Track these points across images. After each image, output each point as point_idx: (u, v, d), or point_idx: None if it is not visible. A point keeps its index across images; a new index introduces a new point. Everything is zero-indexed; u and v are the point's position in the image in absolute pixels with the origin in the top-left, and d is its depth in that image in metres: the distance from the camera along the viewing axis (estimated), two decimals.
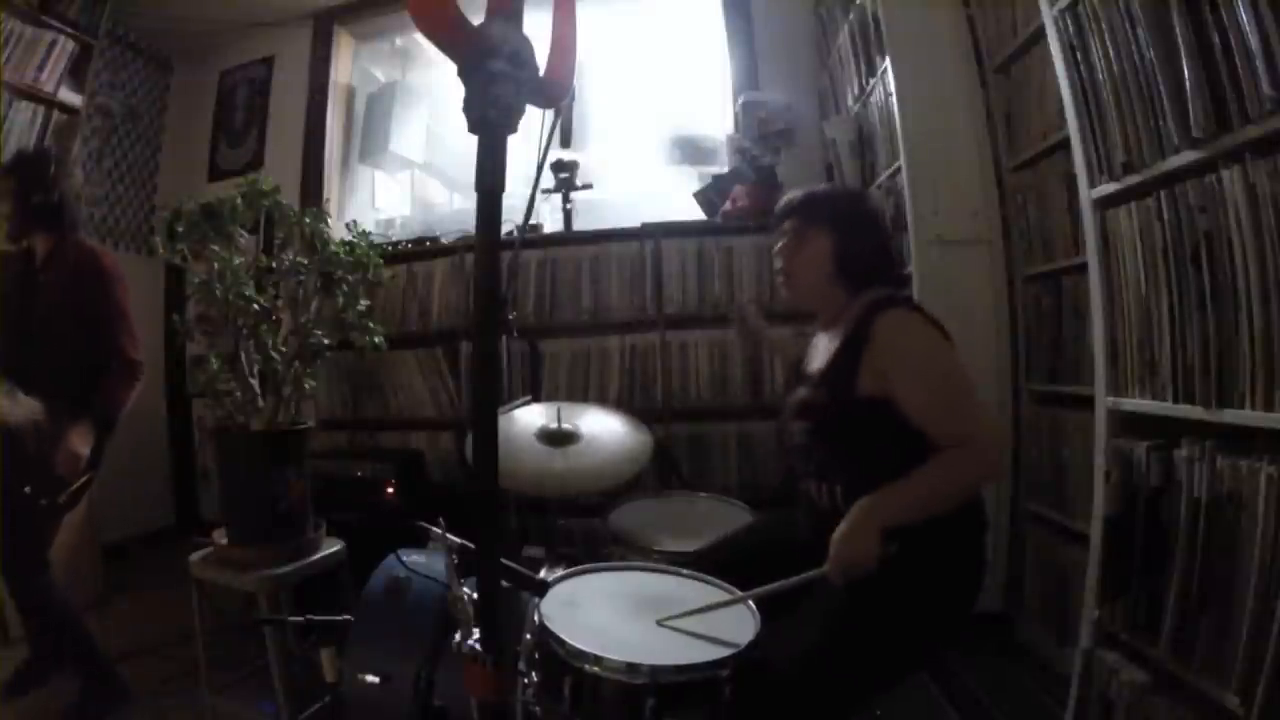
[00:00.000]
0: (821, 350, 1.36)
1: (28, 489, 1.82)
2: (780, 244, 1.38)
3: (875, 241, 1.35)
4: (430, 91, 3.79)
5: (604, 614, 1.16)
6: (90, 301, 1.94)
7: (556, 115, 0.92)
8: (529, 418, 1.85)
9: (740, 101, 3.07)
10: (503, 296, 0.79)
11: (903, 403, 1.17)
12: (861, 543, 1.09)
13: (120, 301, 1.98)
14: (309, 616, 1.44)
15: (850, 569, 1.09)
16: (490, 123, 0.70)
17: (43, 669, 2.04)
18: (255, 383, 1.89)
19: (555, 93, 0.79)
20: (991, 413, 1.19)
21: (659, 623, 1.12)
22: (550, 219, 3.20)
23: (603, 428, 1.83)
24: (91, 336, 1.95)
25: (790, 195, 1.39)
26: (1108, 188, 1.51)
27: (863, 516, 1.11)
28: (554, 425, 1.80)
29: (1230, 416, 1.20)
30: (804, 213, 1.35)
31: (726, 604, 1.17)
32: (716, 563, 1.35)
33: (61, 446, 1.81)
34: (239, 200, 1.87)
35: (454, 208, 3.84)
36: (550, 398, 2.59)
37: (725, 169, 3.07)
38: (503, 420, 1.66)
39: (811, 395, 1.31)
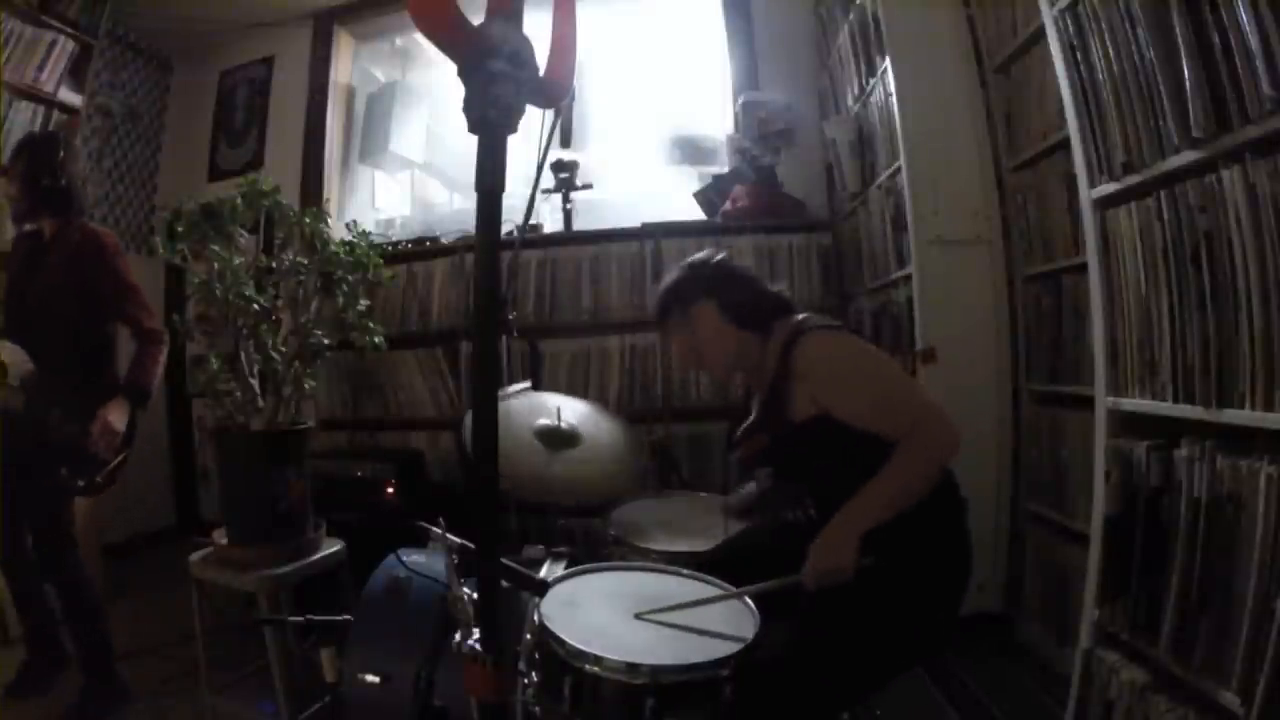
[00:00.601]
0: (757, 403, 1.41)
1: (64, 470, 1.85)
2: (675, 348, 1.41)
3: (745, 282, 1.38)
4: (430, 91, 3.79)
5: (604, 614, 1.16)
6: (93, 279, 1.95)
7: (556, 115, 0.92)
8: (528, 418, 1.84)
9: (740, 101, 3.07)
10: (503, 296, 0.79)
11: (843, 417, 1.20)
12: (839, 552, 1.12)
13: (125, 276, 1.99)
14: (309, 616, 1.44)
15: (825, 577, 1.12)
16: (490, 123, 0.70)
17: (42, 672, 2.04)
18: (255, 383, 1.89)
19: (555, 93, 0.79)
20: (928, 393, 1.24)
21: (637, 616, 1.13)
22: (550, 219, 3.20)
23: (600, 431, 1.83)
24: (94, 315, 1.97)
25: (652, 306, 1.42)
26: (1108, 188, 1.50)
27: (840, 526, 1.14)
28: (554, 423, 1.79)
29: (1230, 416, 1.20)
30: (672, 307, 1.38)
31: (709, 601, 1.18)
32: (720, 565, 1.35)
33: (98, 422, 1.83)
34: (239, 200, 1.87)
35: (454, 208, 3.84)
36: None
37: (725, 169, 3.07)
38: (501, 419, 1.66)
39: (756, 442, 1.35)
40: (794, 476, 1.36)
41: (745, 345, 1.36)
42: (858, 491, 1.15)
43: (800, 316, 1.35)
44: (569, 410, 1.79)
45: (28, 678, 2.03)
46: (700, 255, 1.44)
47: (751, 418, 1.40)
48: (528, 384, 2.04)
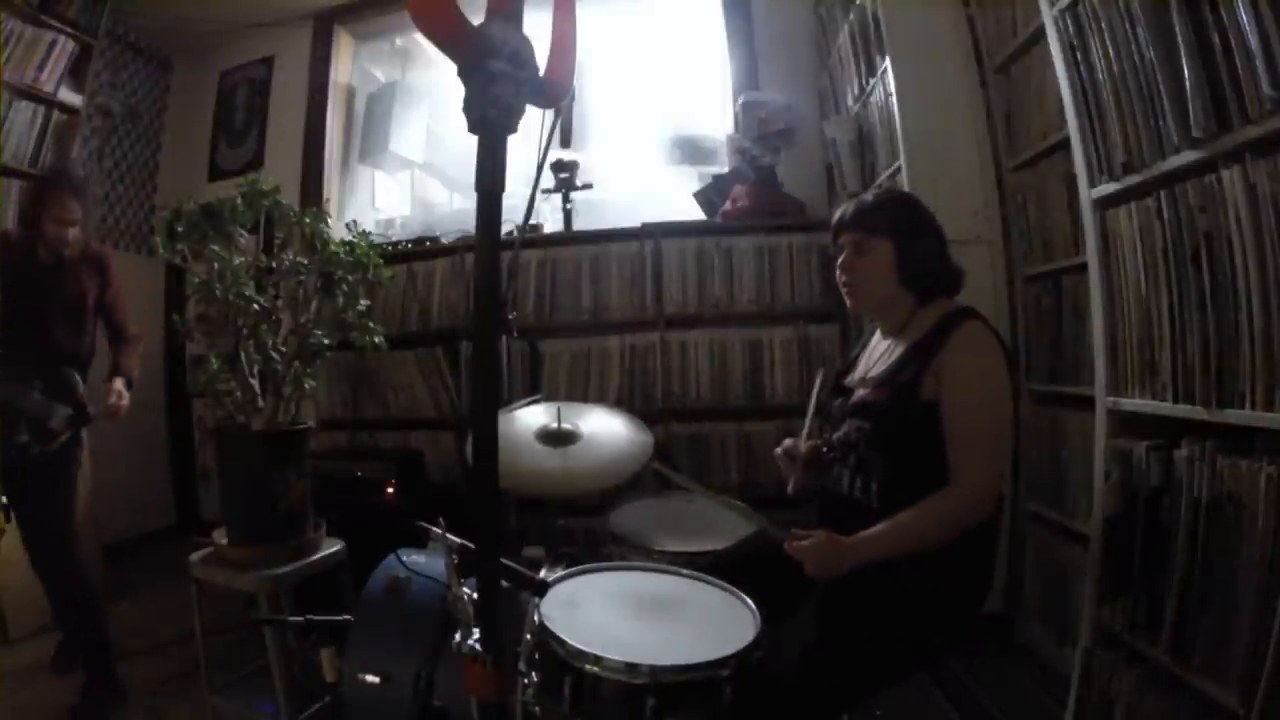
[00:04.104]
0: (881, 356, 1.37)
1: (25, 437, 1.90)
2: (841, 257, 1.37)
3: (935, 246, 1.35)
4: (430, 91, 3.79)
5: (604, 614, 1.16)
6: (96, 289, 2.09)
7: (556, 115, 0.92)
8: (529, 418, 1.85)
9: (740, 101, 3.07)
10: (503, 296, 0.79)
11: (943, 409, 1.20)
12: (836, 566, 1.16)
13: (120, 289, 2.18)
14: (309, 616, 1.44)
15: (813, 570, 1.17)
16: (490, 123, 0.70)
17: (77, 651, 2.09)
18: (255, 383, 1.89)
19: (555, 93, 0.79)
20: (1005, 466, 1.24)
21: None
22: (550, 219, 3.20)
23: (603, 427, 1.84)
24: (85, 318, 2.08)
25: (844, 207, 1.39)
26: (1108, 188, 1.51)
27: (853, 550, 1.16)
28: (554, 425, 1.80)
29: (1230, 416, 1.20)
30: (862, 223, 1.34)
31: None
32: (729, 569, 1.34)
33: (108, 390, 2.05)
34: (239, 200, 1.87)
35: (454, 208, 3.84)
36: (550, 398, 2.58)
37: (725, 169, 3.07)
38: (502, 420, 1.67)
39: (873, 396, 1.31)
40: (880, 451, 1.28)
41: (897, 301, 1.33)
42: (884, 522, 1.16)
43: (964, 303, 1.32)
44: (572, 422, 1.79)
45: (68, 652, 2.11)
46: (912, 195, 1.41)
47: (877, 371, 1.35)
48: (537, 397, 2.04)
